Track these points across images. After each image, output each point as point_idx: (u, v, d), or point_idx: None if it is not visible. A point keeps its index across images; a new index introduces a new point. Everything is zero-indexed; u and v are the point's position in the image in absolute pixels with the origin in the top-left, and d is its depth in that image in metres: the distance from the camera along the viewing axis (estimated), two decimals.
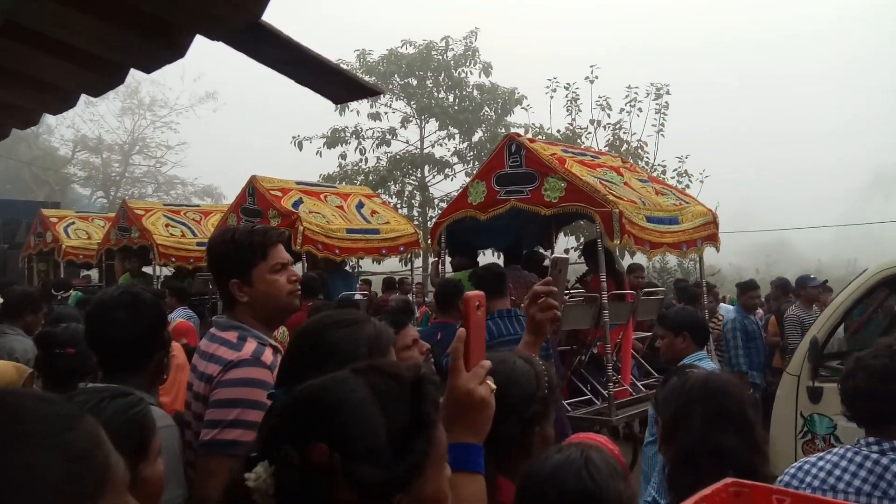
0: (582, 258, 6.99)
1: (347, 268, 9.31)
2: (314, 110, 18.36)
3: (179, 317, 6.50)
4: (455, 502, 1.14)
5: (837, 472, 1.95)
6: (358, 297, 7.96)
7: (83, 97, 2.74)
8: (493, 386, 1.26)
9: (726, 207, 19.16)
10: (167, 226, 10.27)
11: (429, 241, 7.76)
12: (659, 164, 16.76)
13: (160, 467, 1.50)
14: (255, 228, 2.21)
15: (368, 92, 2.37)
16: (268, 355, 2.02)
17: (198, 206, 13.55)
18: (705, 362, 3.69)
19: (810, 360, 4.89)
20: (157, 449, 1.50)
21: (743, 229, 24.62)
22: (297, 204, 8.07)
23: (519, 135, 6.95)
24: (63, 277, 10.91)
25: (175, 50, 2.12)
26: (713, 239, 6.93)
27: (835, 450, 2.05)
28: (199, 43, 2.15)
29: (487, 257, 8.67)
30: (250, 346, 2.03)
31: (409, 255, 8.99)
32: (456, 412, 1.22)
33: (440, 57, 20.02)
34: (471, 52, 19.88)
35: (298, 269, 6.92)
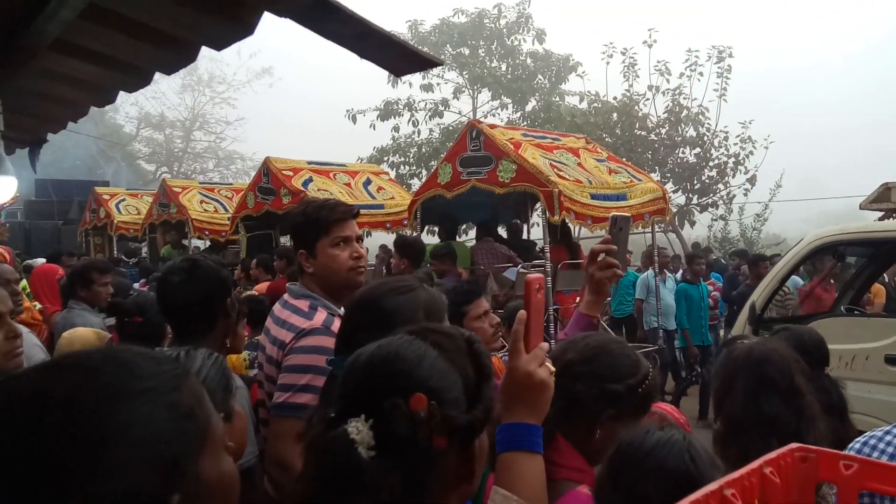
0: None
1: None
2: (367, 83, 18.46)
3: None
4: (515, 480, 1.19)
5: None
6: None
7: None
8: (552, 368, 1.27)
9: (792, 174, 18.45)
10: (202, 202, 10.99)
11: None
12: (721, 130, 16.21)
13: (243, 417, 1.58)
14: (326, 203, 2.25)
15: (429, 63, 2.40)
16: (337, 325, 2.05)
17: (231, 184, 14.43)
18: None
19: (749, 322, 5.51)
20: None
21: (810, 196, 23.62)
22: (306, 183, 8.59)
23: (480, 122, 7.63)
24: (128, 247, 11.77)
25: (244, 27, 2.19)
26: (662, 213, 7.62)
27: None
28: (261, 19, 2.21)
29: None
30: (321, 316, 2.10)
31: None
32: (516, 392, 1.24)
33: (493, 25, 19.75)
34: (524, 18, 19.54)
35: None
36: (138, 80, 2.86)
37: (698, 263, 8.26)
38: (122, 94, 3.23)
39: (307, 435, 1.05)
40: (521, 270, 6.75)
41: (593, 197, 6.80)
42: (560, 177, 6.63)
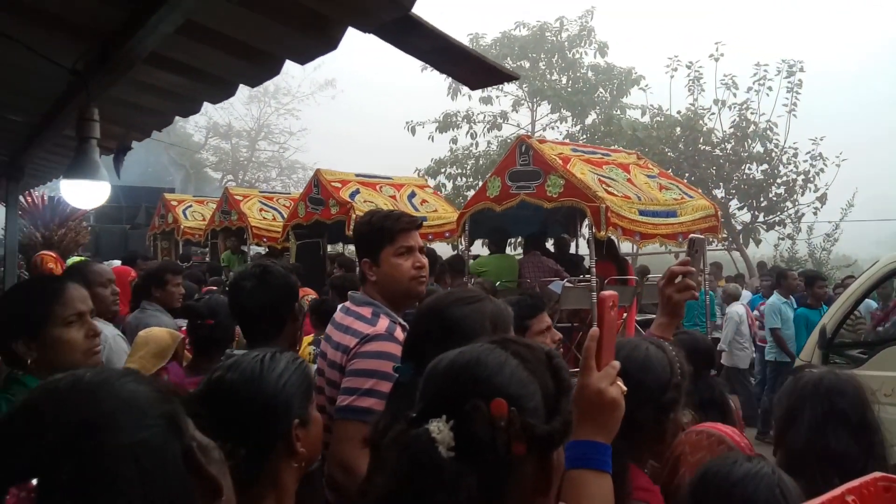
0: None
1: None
2: (426, 98, 18.62)
3: None
4: (583, 499, 1.18)
5: None
6: None
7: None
8: (624, 388, 1.26)
9: (865, 190, 17.64)
10: (261, 210, 11.46)
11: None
12: (790, 147, 15.68)
13: (319, 424, 1.62)
14: (391, 213, 2.29)
15: (505, 77, 2.43)
16: (399, 333, 2.11)
17: (289, 193, 14.92)
18: None
19: (820, 346, 5.28)
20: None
21: (885, 215, 22.45)
22: (353, 194, 8.91)
23: (529, 136, 7.86)
24: (184, 252, 12.53)
25: (328, 42, 2.27)
26: (714, 231, 7.52)
27: None
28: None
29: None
30: (384, 322, 2.13)
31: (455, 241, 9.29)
32: (586, 410, 1.23)
33: (554, 38, 19.70)
34: (586, 31, 19.42)
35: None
36: (223, 92, 2.99)
37: (820, 286, 7.54)
38: (199, 107, 3.38)
39: (377, 437, 1.07)
40: (567, 284, 6.83)
41: (642, 213, 6.81)
42: (608, 192, 6.66)
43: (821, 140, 15.40)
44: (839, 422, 1.77)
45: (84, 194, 2.93)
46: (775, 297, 7.93)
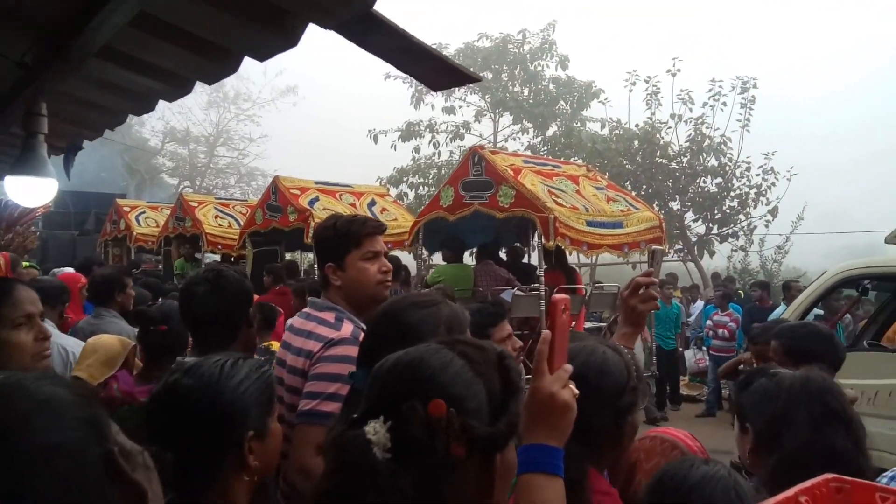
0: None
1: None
2: (389, 107, 18.62)
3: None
4: (535, 503, 1.16)
5: None
6: None
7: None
8: (576, 391, 1.25)
9: (815, 206, 18.28)
10: (216, 217, 11.24)
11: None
12: (743, 161, 16.15)
13: (278, 438, 1.56)
14: (356, 218, 2.28)
15: (467, 79, 2.43)
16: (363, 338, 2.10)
17: (245, 200, 14.80)
18: None
19: None
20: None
21: (833, 230, 23.32)
22: (313, 202, 8.89)
23: (482, 147, 8.08)
24: (134, 258, 12.01)
25: (288, 38, 2.23)
26: (658, 241, 7.74)
27: None
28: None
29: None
30: (348, 327, 2.11)
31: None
32: (538, 414, 1.21)
33: (516, 50, 19.94)
34: (548, 45, 19.71)
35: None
36: (179, 89, 2.91)
37: (835, 298, 7.45)
38: (153, 105, 3.29)
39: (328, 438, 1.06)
40: (517, 293, 6.96)
41: (589, 224, 7.01)
42: (557, 203, 6.84)
43: (772, 155, 15.93)
44: (836, 420, 1.75)
45: (30, 191, 2.82)
46: (784, 308, 8.02)
